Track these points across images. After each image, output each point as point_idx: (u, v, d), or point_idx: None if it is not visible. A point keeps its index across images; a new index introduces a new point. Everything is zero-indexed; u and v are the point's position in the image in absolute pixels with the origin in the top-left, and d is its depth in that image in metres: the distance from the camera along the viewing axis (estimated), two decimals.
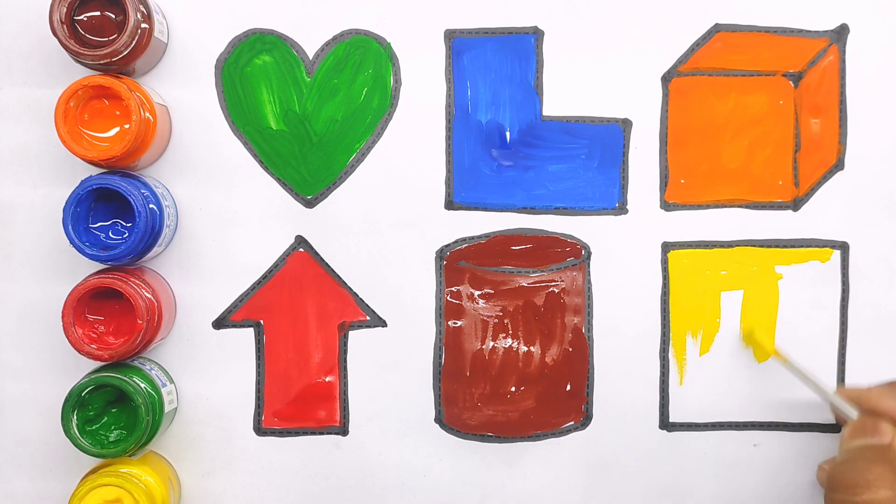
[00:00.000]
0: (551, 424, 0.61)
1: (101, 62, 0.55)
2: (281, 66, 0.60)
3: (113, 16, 0.56)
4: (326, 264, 0.60)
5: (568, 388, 0.61)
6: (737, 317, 0.61)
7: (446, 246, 0.61)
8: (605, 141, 0.60)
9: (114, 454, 0.56)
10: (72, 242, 0.55)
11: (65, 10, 0.55)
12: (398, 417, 0.61)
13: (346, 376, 0.61)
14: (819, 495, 0.61)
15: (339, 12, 0.60)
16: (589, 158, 0.60)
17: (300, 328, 0.60)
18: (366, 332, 0.61)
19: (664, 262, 0.61)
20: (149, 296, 0.56)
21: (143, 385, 0.56)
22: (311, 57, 0.60)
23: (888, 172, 0.61)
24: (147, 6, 0.55)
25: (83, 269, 0.59)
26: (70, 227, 0.55)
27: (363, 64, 0.60)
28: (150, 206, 0.56)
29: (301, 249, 0.60)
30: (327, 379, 0.61)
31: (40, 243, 0.59)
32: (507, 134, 0.60)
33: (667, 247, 0.61)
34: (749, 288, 0.61)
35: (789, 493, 0.61)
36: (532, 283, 0.60)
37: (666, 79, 0.60)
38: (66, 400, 0.55)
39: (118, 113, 0.56)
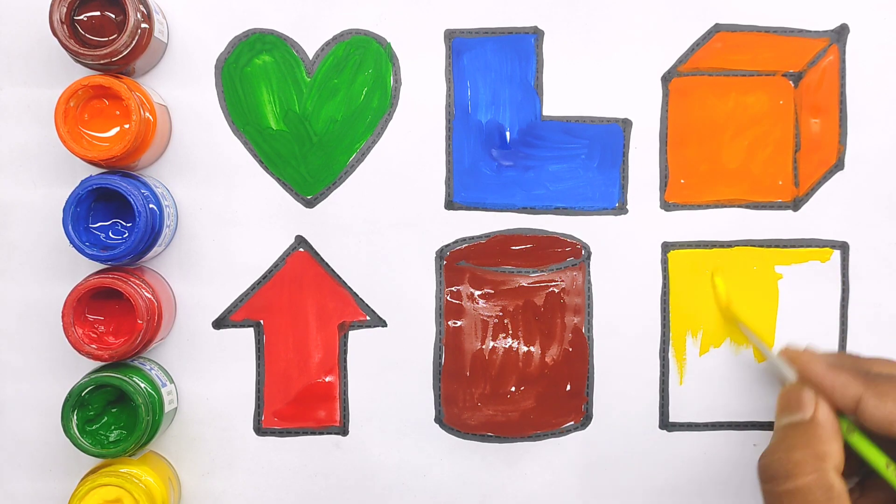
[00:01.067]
0: (551, 424, 0.61)
1: (101, 62, 0.55)
2: (281, 66, 0.60)
3: (113, 16, 0.56)
4: (326, 264, 0.60)
5: (568, 388, 0.61)
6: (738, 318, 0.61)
7: (446, 246, 0.61)
8: (605, 141, 0.60)
9: (114, 454, 0.56)
10: (72, 242, 0.55)
11: (65, 10, 0.55)
12: (398, 417, 0.61)
13: (346, 376, 0.61)
14: None
15: (339, 12, 0.60)
16: (589, 158, 0.60)
17: (300, 328, 0.60)
18: (366, 332, 0.61)
19: (664, 262, 0.61)
20: (149, 296, 0.56)
21: (143, 385, 0.56)
22: (311, 57, 0.60)
23: (888, 172, 0.61)
24: (147, 6, 0.55)
25: (83, 269, 0.59)
26: (70, 227, 0.55)
27: (363, 64, 0.60)
28: (150, 206, 0.56)
29: (301, 249, 0.60)
30: (327, 379, 0.61)
31: (40, 243, 0.59)
32: (507, 134, 0.60)
33: (667, 247, 0.61)
34: (749, 288, 0.61)
35: None
36: (532, 283, 0.60)
37: (666, 79, 0.60)
38: (66, 400, 0.55)
39: (118, 113, 0.56)
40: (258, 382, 0.61)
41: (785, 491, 0.50)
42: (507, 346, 0.61)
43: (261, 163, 0.60)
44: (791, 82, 0.60)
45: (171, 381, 0.60)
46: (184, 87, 0.59)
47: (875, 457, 0.51)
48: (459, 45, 0.60)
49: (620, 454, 0.61)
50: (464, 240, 0.61)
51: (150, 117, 0.56)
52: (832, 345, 0.61)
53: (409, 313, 0.61)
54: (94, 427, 0.56)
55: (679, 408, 0.61)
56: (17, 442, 0.60)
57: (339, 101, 0.60)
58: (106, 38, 0.56)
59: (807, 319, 0.61)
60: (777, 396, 0.55)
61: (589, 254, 0.61)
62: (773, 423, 0.61)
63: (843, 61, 0.60)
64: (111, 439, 0.56)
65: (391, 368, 0.61)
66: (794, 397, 0.53)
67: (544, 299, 0.61)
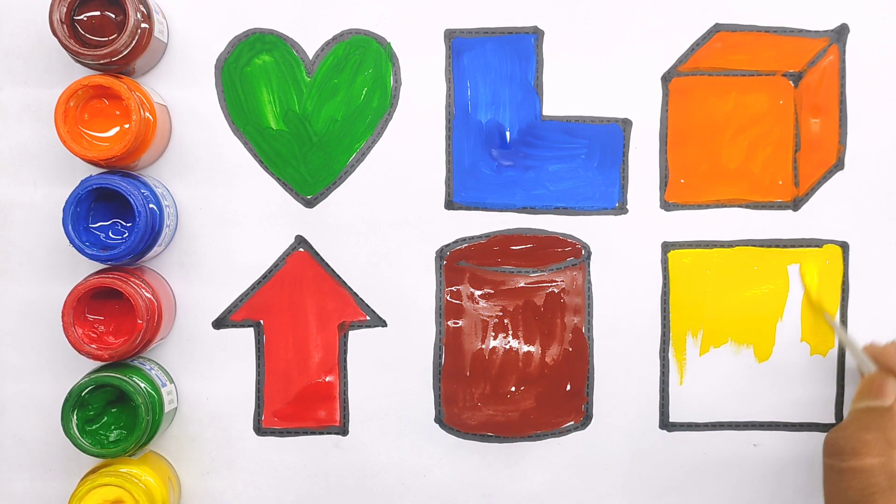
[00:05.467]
0: (551, 424, 0.61)
1: (101, 62, 0.55)
2: (281, 65, 0.60)
3: (113, 16, 0.56)
4: (326, 264, 0.60)
5: (568, 388, 0.61)
6: (739, 316, 0.61)
7: (446, 246, 0.61)
8: (605, 141, 0.60)
9: (114, 454, 0.56)
10: (72, 242, 0.55)
11: (65, 9, 0.55)
12: (398, 417, 0.61)
13: (346, 376, 0.61)
14: (818, 495, 0.61)
15: (339, 12, 0.60)
16: (589, 158, 0.60)
17: (300, 328, 0.60)
18: (366, 332, 0.61)
19: (664, 261, 0.61)
20: (149, 296, 0.56)
21: (143, 385, 0.56)
22: (311, 57, 0.60)
23: (888, 172, 0.61)
24: (147, 6, 0.55)
25: (83, 269, 0.59)
26: (70, 226, 0.55)
27: (363, 64, 0.60)
28: (150, 205, 0.56)
29: (301, 249, 0.60)
30: (327, 379, 0.61)
31: (40, 243, 0.59)
32: (507, 134, 0.60)
33: (667, 247, 0.61)
34: (750, 288, 0.61)
35: (789, 493, 0.61)
36: (532, 283, 0.60)
37: (666, 79, 0.60)
38: (66, 400, 0.55)
39: (118, 113, 0.56)
40: (258, 382, 0.61)
41: (848, 468, 0.51)
42: (507, 346, 0.61)
43: (261, 163, 0.60)
44: (791, 82, 0.60)
45: (171, 381, 0.60)
46: (184, 87, 0.59)
47: None
48: (459, 45, 0.60)
49: (620, 454, 0.61)
50: (464, 240, 0.61)
51: (150, 117, 0.56)
52: (832, 344, 0.61)
53: (409, 313, 0.61)
54: (94, 427, 0.56)
55: (679, 408, 0.61)
56: (17, 442, 0.60)
57: (339, 100, 0.60)
58: (106, 38, 0.56)
59: (807, 319, 0.61)
60: (860, 382, 0.56)
61: (589, 254, 0.61)
62: (772, 423, 0.61)
63: (843, 61, 0.60)
64: (111, 439, 0.56)
65: (391, 368, 0.61)
66: (877, 384, 0.54)
67: (544, 299, 0.61)
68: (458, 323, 0.61)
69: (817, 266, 0.60)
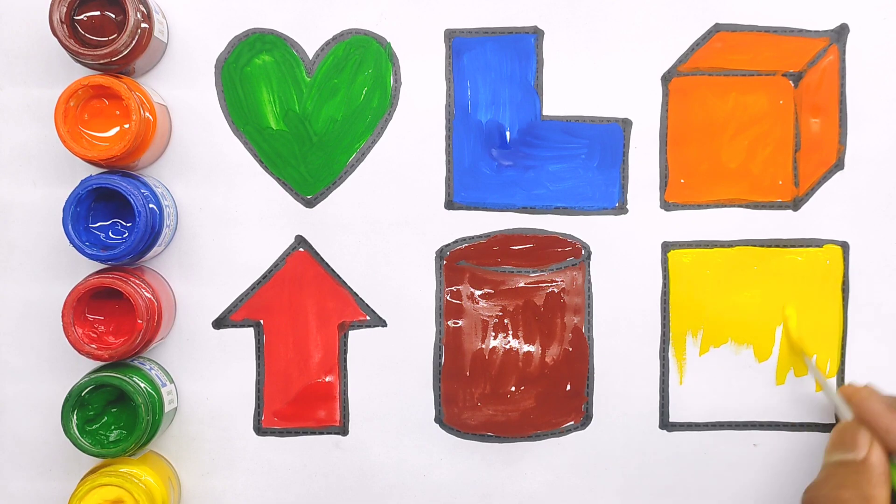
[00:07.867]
0: (551, 424, 0.61)
1: (101, 62, 0.55)
2: (281, 65, 0.60)
3: (113, 15, 0.56)
4: (326, 264, 0.60)
5: (568, 388, 0.61)
6: (739, 316, 0.61)
7: (446, 246, 0.61)
8: (605, 141, 0.60)
9: (114, 454, 0.56)
10: (72, 242, 0.55)
11: (65, 9, 0.55)
12: (398, 417, 0.61)
13: (346, 376, 0.61)
14: None
15: (339, 12, 0.60)
16: (589, 158, 0.60)
17: (300, 328, 0.60)
18: (366, 332, 0.61)
19: (664, 261, 0.61)
20: (149, 296, 0.56)
21: (143, 385, 0.56)
22: (311, 57, 0.60)
23: (888, 172, 0.61)
24: (147, 6, 0.55)
25: (83, 269, 0.59)
26: (70, 226, 0.55)
27: (363, 64, 0.60)
28: (150, 205, 0.56)
29: (301, 249, 0.60)
30: (327, 379, 0.61)
31: (40, 243, 0.59)
32: (507, 134, 0.60)
33: (667, 246, 0.61)
34: (751, 287, 0.61)
35: (789, 493, 0.61)
36: (532, 283, 0.60)
37: (666, 79, 0.60)
38: (66, 400, 0.55)
39: (118, 113, 0.56)
40: (258, 382, 0.61)
41: None
42: (507, 346, 0.61)
43: (261, 163, 0.60)
44: (791, 82, 0.60)
45: (171, 381, 0.60)
46: (184, 87, 0.59)
47: None
48: (459, 45, 0.60)
49: (620, 454, 0.61)
50: (464, 240, 0.61)
51: (150, 117, 0.56)
52: (832, 344, 0.61)
53: (409, 313, 0.61)
54: (94, 427, 0.56)
55: (679, 408, 0.61)
56: (17, 442, 0.60)
57: (339, 100, 0.60)
58: (106, 38, 0.56)
59: (807, 319, 0.61)
60: (832, 431, 0.55)
61: (589, 254, 0.61)
62: (772, 423, 0.61)
63: (843, 61, 0.60)
64: (111, 439, 0.56)
65: (391, 368, 0.61)
66: (848, 436, 0.53)
67: (544, 299, 0.61)
68: (458, 323, 0.61)
69: (798, 309, 0.60)
